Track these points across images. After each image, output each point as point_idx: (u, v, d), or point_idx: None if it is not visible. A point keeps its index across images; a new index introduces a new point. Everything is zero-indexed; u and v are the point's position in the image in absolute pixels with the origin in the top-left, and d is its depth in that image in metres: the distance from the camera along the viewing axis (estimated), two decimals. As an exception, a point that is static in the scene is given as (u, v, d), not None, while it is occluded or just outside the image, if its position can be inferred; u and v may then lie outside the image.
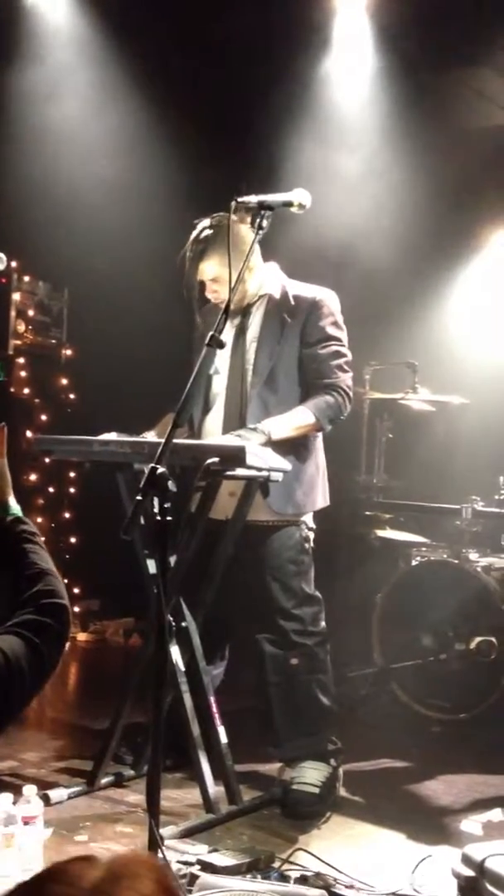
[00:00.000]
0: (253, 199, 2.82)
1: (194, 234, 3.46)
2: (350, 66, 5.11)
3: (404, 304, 5.50)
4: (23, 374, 5.83)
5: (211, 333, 2.65)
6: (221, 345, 2.66)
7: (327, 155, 5.13)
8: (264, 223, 2.79)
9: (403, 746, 4.10)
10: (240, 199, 2.82)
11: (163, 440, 2.58)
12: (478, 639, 4.31)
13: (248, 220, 3.31)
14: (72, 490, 6.03)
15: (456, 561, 4.49)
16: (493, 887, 2.29)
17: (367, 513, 5.26)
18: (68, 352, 6.11)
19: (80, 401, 6.05)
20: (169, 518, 2.42)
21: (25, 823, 2.73)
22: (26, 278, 5.81)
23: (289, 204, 2.86)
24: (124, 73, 5.06)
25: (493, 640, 4.27)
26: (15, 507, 1.99)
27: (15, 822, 2.73)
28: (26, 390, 5.85)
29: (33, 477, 5.85)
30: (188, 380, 3.72)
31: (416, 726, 4.34)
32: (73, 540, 6.04)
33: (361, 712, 4.44)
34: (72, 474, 5.99)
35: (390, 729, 4.32)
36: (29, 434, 5.72)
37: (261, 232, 2.80)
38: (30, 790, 2.82)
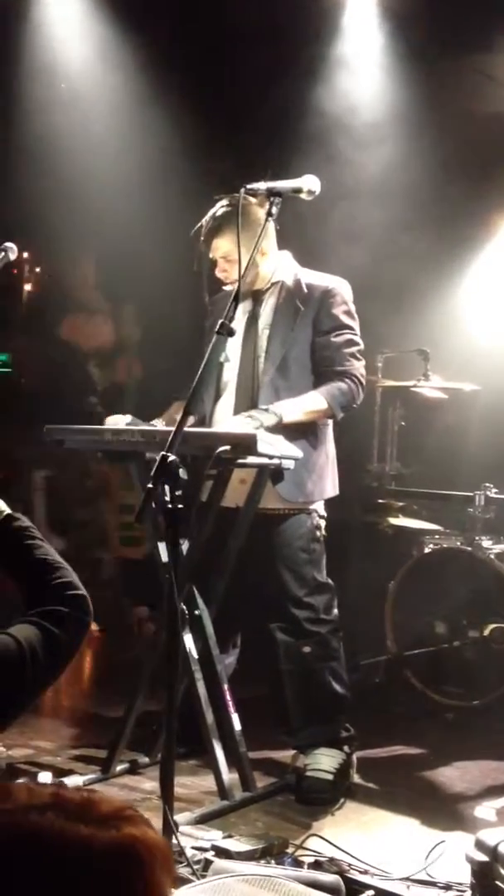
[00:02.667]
0: (262, 185, 2.81)
1: (212, 210, 3.46)
2: (360, 52, 5.08)
3: (416, 291, 5.48)
4: (36, 364, 5.84)
5: (221, 321, 2.66)
6: (232, 333, 2.66)
7: (337, 141, 5.11)
8: (274, 210, 2.78)
9: (417, 733, 4.11)
10: (249, 186, 2.82)
11: (173, 428, 2.60)
12: (491, 626, 4.31)
13: (267, 204, 3.30)
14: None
15: (469, 548, 4.48)
16: (506, 872, 2.30)
17: (380, 501, 5.25)
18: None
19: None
20: (180, 506, 2.42)
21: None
22: (37, 269, 5.82)
23: (298, 190, 2.86)
24: (137, 61, 5.04)
25: (507, 626, 4.27)
26: (0, 503, 1.98)
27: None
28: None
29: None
30: (198, 368, 3.76)
31: (431, 713, 4.34)
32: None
33: (374, 699, 4.44)
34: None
35: (403, 716, 4.33)
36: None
37: (271, 218, 2.79)
38: (45, 777, 2.84)
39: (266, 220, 2.82)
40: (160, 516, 3.34)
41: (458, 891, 2.65)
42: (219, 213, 3.43)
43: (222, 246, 3.44)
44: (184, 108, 5.16)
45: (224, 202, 3.45)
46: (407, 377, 5.02)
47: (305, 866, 2.52)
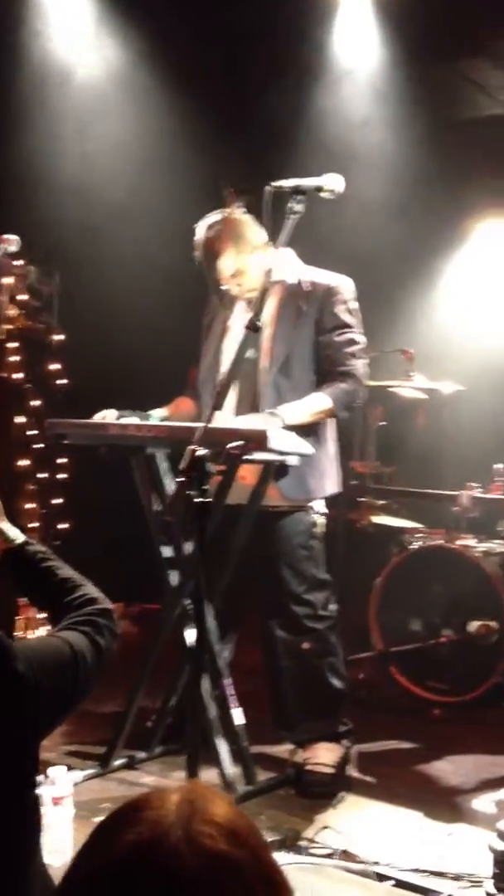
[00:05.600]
0: (287, 183, 2.83)
1: (199, 237, 3.47)
2: (354, 55, 5.12)
3: (399, 291, 5.54)
4: (14, 358, 5.78)
5: (250, 318, 2.67)
6: (258, 329, 2.68)
7: (326, 142, 5.15)
8: (298, 207, 2.80)
9: (405, 728, 4.15)
10: (274, 184, 2.83)
11: (181, 424, 2.59)
12: (477, 622, 4.38)
13: (243, 207, 3.37)
14: (63, 475, 6.00)
15: (455, 546, 4.54)
16: (529, 861, 2.34)
17: (361, 499, 5.30)
18: (59, 336, 6.07)
19: (71, 385, 6.01)
20: (209, 500, 2.43)
21: (55, 804, 2.74)
22: (17, 262, 5.75)
23: (320, 189, 2.87)
24: (127, 58, 5.03)
25: (493, 623, 4.34)
26: (13, 530, 2.02)
27: (44, 804, 2.73)
28: (17, 375, 5.80)
29: (24, 462, 5.80)
30: (198, 363, 3.77)
31: (416, 708, 4.39)
32: (64, 526, 6.01)
33: (360, 695, 4.48)
34: (63, 459, 5.96)
35: (391, 711, 4.37)
36: (19, 419, 5.68)
37: (294, 216, 2.80)
38: (57, 771, 2.83)
39: (288, 218, 2.82)
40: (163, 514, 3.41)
41: (469, 881, 2.69)
42: (210, 236, 3.45)
43: (227, 265, 3.45)
44: (175, 108, 5.16)
45: (206, 224, 3.46)
46: (389, 377, 5.07)
47: (336, 856, 2.54)
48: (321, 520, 3.64)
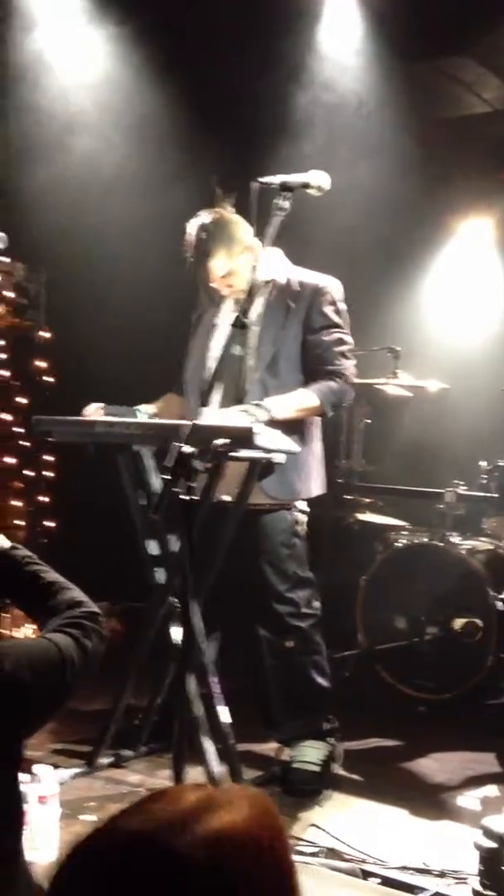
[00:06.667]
0: (275, 179, 2.82)
1: (190, 237, 3.45)
2: (339, 50, 5.11)
3: (384, 289, 5.54)
4: (0, 356, 5.76)
5: (237, 315, 2.67)
6: (245, 326, 2.67)
7: (312, 140, 5.14)
8: (285, 204, 2.79)
9: (391, 726, 4.16)
10: (262, 180, 2.82)
11: (165, 421, 2.57)
12: (462, 620, 4.38)
13: (233, 208, 3.36)
14: (49, 473, 5.98)
15: (441, 543, 4.55)
16: (515, 857, 2.35)
17: (347, 497, 5.31)
18: (46, 334, 6.05)
19: (58, 383, 5.99)
20: (196, 497, 2.43)
21: (41, 803, 2.73)
22: (4, 259, 5.72)
23: (307, 185, 2.87)
24: (110, 52, 5.02)
25: (478, 621, 4.35)
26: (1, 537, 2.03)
27: (27, 801, 2.72)
28: (4, 372, 5.78)
29: (10, 460, 5.79)
30: (183, 360, 3.76)
31: (401, 706, 4.40)
32: (50, 524, 5.99)
33: (345, 693, 4.48)
34: (49, 457, 5.94)
35: (376, 709, 4.37)
36: (5, 417, 5.66)
37: (281, 213, 2.79)
38: (43, 769, 2.82)
39: (276, 215, 2.82)
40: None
41: (455, 878, 2.70)
42: (202, 237, 3.42)
43: (219, 267, 3.42)
44: (163, 104, 5.15)
45: (197, 225, 3.45)
46: (375, 375, 5.07)
47: (322, 854, 2.54)
48: (303, 517, 3.64)
